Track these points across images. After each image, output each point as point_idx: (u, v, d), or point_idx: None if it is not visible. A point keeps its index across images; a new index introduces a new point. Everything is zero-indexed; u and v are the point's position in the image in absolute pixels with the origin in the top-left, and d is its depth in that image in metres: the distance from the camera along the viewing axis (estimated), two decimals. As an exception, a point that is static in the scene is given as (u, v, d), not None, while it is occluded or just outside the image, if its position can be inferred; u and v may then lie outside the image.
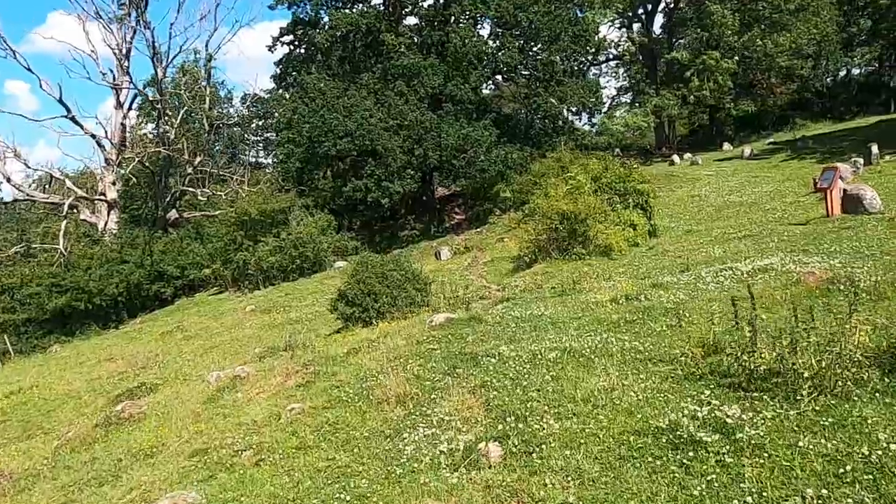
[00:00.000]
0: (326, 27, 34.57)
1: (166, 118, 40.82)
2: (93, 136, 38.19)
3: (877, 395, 4.63)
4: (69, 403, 14.79)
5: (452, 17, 33.87)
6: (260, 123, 53.40)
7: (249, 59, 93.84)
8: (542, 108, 34.38)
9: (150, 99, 41.57)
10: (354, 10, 33.92)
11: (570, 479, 4.47)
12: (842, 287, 7.38)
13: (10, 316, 28.68)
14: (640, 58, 46.19)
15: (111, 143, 38.00)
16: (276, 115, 42.06)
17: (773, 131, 40.60)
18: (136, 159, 39.50)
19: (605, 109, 45.17)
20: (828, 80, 47.10)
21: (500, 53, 33.71)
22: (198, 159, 41.76)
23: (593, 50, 40.03)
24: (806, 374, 4.82)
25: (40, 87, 43.34)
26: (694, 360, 6.03)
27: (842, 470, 3.84)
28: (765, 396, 4.92)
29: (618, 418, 5.18)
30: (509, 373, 6.79)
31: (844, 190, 14.55)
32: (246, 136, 54.83)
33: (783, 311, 6.85)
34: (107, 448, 9.18)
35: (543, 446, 4.98)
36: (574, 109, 37.14)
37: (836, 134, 33.71)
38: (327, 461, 5.82)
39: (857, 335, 5.15)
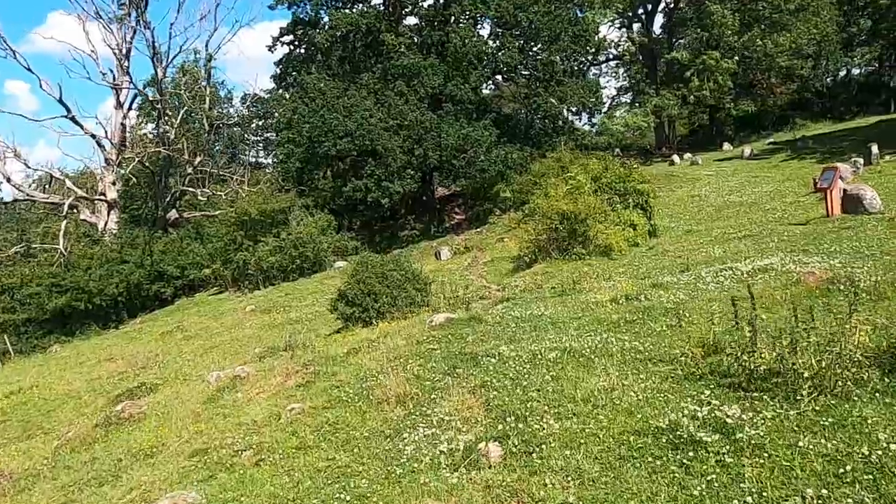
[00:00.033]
0: (326, 27, 34.57)
1: (166, 118, 40.83)
2: (93, 136, 38.24)
3: (877, 395, 4.63)
4: (69, 403, 14.79)
5: (452, 17, 33.87)
6: (260, 123, 53.43)
7: (249, 59, 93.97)
8: (542, 108, 34.38)
9: (150, 99, 41.58)
10: (354, 10, 33.91)
11: (570, 479, 4.47)
12: (842, 287, 7.38)
13: (10, 316, 28.68)
14: (640, 58, 46.19)
15: (111, 143, 38.00)
16: (276, 115, 42.06)
17: (773, 131, 40.61)
18: (136, 159, 39.50)
19: (605, 109, 45.21)
20: (828, 80, 47.11)
21: (500, 53, 33.71)
22: (198, 159, 41.77)
23: (593, 50, 40.03)
24: (806, 374, 4.82)
25: (40, 87, 43.42)
26: (694, 360, 6.03)
27: (842, 470, 3.83)
28: (765, 396, 4.92)
29: (618, 418, 5.18)
30: (509, 373, 6.79)
31: (844, 190, 14.55)
32: (246, 136, 54.84)
33: (783, 311, 6.85)
34: (107, 448, 9.18)
35: (543, 446, 4.98)
36: (574, 109, 37.15)
37: (836, 134, 33.71)
38: (327, 461, 5.82)
39: (857, 335, 5.15)
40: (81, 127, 37.88)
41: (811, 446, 4.12)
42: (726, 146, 38.74)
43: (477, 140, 29.99)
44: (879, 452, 3.90)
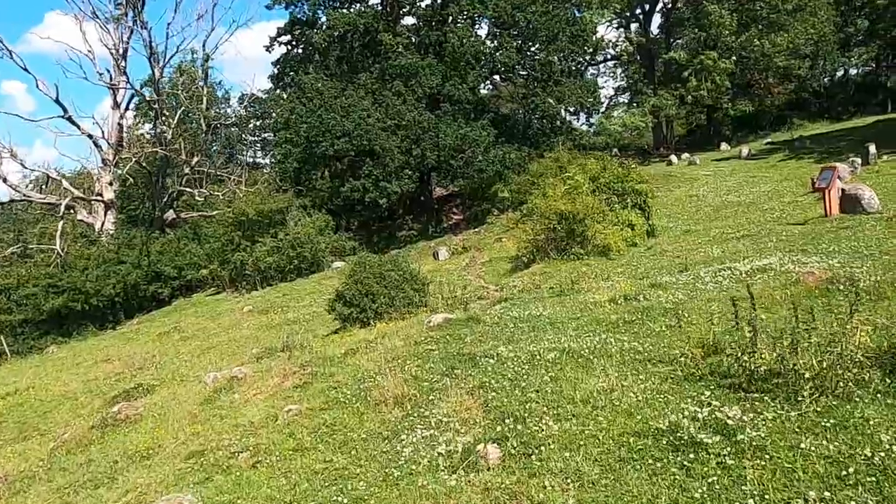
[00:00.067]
0: (324, 27, 34.50)
1: (163, 118, 40.74)
2: (90, 136, 38.12)
3: (878, 396, 4.60)
4: (65, 405, 14.72)
5: (450, 17, 33.83)
6: (257, 123, 53.39)
7: (247, 59, 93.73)
8: (539, 108, 34.35)
9: (147, 99, 41.49)
10: (352, 10, 33.85)
11: (569, 481, 4.43)
12: (841, 287, 7.36)
13: (7, 317, 28.56)
14: (638, 58, 46.21)
15: (108, 143, 37.88)
16: (274, 115, 42.00)
17: (770, 131, 40.64)
18: (133, 159, 39.41)
19: (602, 109, 45.26)
20: (825, 80, 47.20)
21: (497, 53, 33.67)
22: (195, 159, 41.68)
23: (591, 50, 40.03)
24: (807, 375, 4.79)
25: (37, 87, 43.55)
26: (694, 360, 5.99)
27: (844, 472, 3.80)
28: (765, 397, 4.89)
29: (617, 420, 5.14)
30: (508, 374, 6.75)
31: (843, 190, 14.53)
32: (243, 136, 54.78)
33: (782, 312, 6.83)
34: (103, 450, 9.12)
35: (542, 448, 4.94)
36: (572, 109, 37.09)
37: (833, 134, 33.74)
38: (324, 463, 5.78)
39: (858, 335, 5.12)
40: (78, 127, 37.83)
41: (813, 448, 4.09)
42: (724, 146, 38.77)
43: (475, 140, 29.95)
44: (882, 454, 3.86)
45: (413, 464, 5.27)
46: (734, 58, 38.74)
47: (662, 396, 5.40)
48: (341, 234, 31.05)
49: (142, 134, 46.28)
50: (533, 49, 34.57)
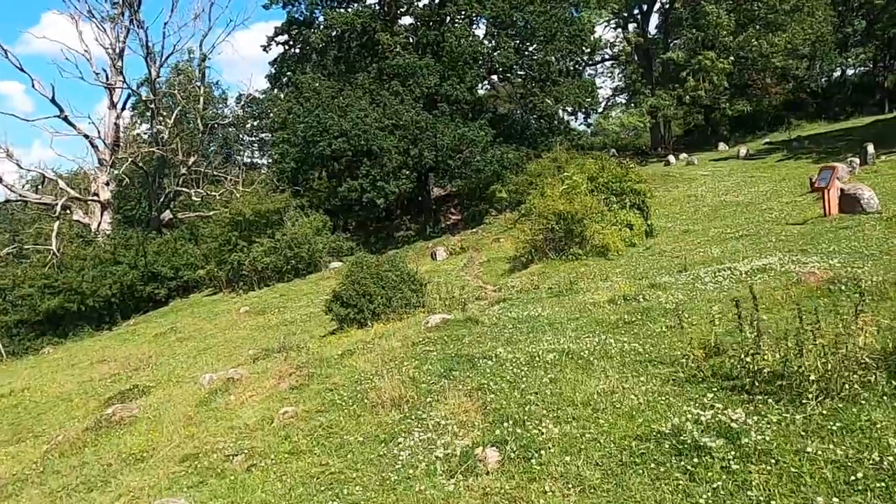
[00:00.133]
0: (321, 27, 34.41)
1: (160, 118, 40.60)
2: (86, 136, 37.93)
3: (885, 398, 4.51)
4: (60, 406, 14.61)
5: (448, 17, 33.75)
6: (255, 123, 53.22)
7: (244, 59, 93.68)
8: (537, 108, 34.29)
9: (144, 99, 41.34)
10: (349, 10, 33.72)
11: (570, 486, 4.33)
12: (843, 287, 7.29)
13: (2, 317, 28.49)
14: (636, 58, 46.21)
15: (104, 143, 37.73)
16: (271, 115, 41.85)
17: (768, 131, 40.68)
18: (130, 160, 39.25)
19: (600, 109, 45.22)
20: (823, 80, 47.28)
21: (495, 53, 33.60)
22: (192, 159, 41.54)
23: (589, 50, 39.89)
24: (812, 377, 4.70)
25: (33, 87, 43.03)
26: (695, 361, 5.89)
27: (853, 477, 3.70)
28: (769, 400, 4.80)
29: (619, 422, 5.05)
30: (507, 375, 6.65)
31: (842, 189, 14.49)
32: (240, 136, 54.64)
33: (784, 312, 6.75)
34: (96, 452, 9.00)
35: (542, 452, 4.84)
36: (570, 109, 37.03)
37: (831, 134, 33.76)
38: (320, 467, 5.68)
39: (862, 336, 5.04)
40: (75, 127, 37.65)
41: (820, 452, 3.99)
42: (722, 146, 38.78)
43: (473, 140, 29.87)
44: (891, 458, 3.77)
45: (410, 468, 5.17)
46: (732, 58, 38.77)
47: (664, 398, 5.31)
48: (339, 234, 30.95)
49: (138, 134, 46.18)
50: (531, 49, 34.50)
